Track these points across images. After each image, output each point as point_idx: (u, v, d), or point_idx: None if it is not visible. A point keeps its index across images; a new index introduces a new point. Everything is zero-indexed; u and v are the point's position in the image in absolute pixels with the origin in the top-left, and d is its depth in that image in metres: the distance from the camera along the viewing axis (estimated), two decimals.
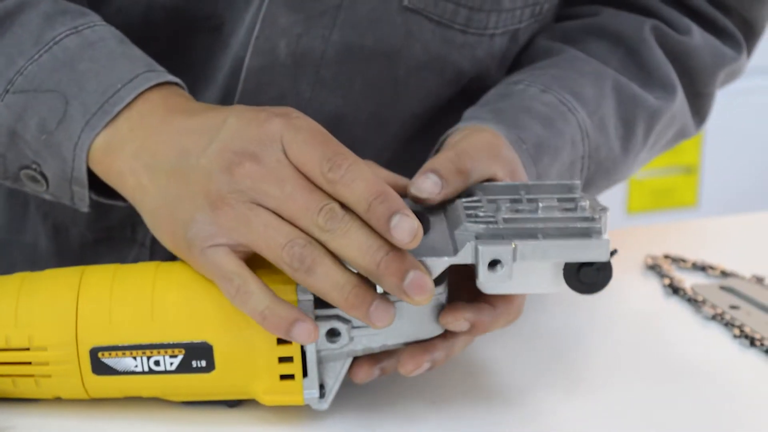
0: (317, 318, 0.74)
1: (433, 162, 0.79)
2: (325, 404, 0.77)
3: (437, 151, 0.87)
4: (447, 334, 0.78)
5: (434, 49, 0.92)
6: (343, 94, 0.92)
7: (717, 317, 0.94)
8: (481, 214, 0.74)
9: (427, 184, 0.78)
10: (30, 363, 0.76)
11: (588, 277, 0.73)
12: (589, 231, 0.72)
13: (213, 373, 0.76)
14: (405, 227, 0.70)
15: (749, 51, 1.04)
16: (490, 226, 0.73)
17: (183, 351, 0.75)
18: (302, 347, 0.75)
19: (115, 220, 0.97)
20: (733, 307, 0.95)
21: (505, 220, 0.73)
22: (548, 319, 0.92)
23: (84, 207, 0.82)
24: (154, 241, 0.92)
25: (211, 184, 0.74)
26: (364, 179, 0.72)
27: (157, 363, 0.75)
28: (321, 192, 0.73)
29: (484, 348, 0.87)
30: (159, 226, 0.77)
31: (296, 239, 0.72)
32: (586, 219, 0.73)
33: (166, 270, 0.77)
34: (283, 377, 0.76)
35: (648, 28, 0.98)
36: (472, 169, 0.79)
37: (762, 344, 0.89)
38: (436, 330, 0.77)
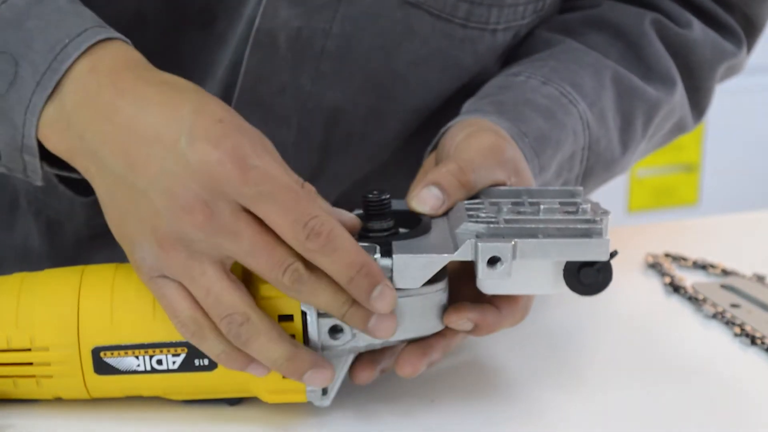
0: (319, 315, 0.75)
1: (435, 174, 0.79)
2: (327, 401, 0.77)
3: (435, 146, 0.87)
4: (446, 333, 0.78)
5: (434, 44, 0.92)
6: (343, 88, 0.92)
7: (718, 316, 0.94)
8: (483, 215, 0.75)
9: (429, 198, 0.78)
10: (31, 364, 0.76)
11: (588, 277, 0.73)
12: (589, 231, 0.73)
13: (215, 371, 0.76)
14: (386, 299, 0.72)
15: (749, 47, 1.04)
16: (491, 225, 0.73)
17: (185, 350, 0.75)
18: (305, 344, 0.75)
19: None
20: (734, 306, 0.95)
21: (507, 221, 0.73)
22: (548, 317, 0.92)
23: (38, 180, 0.78)
24: None
25: (158, 221, 0.71)
26: (345, 251, 0.70)
27: (159, 362, 0.75)
28: (282, 247, 0.71)
29: (483, 346, 0.87)
30: (108, 218, 0.75)
31: (234, 315, 0.72)
32: (587, 221, 0.73)
33: None
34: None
35: (648, 21, 0.98)
36: (476, 180, 0.79)
37: (763, 343, 0.89)
38: (437, 326, 0.77)
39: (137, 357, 0.75)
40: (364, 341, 0.76)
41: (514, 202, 0.77)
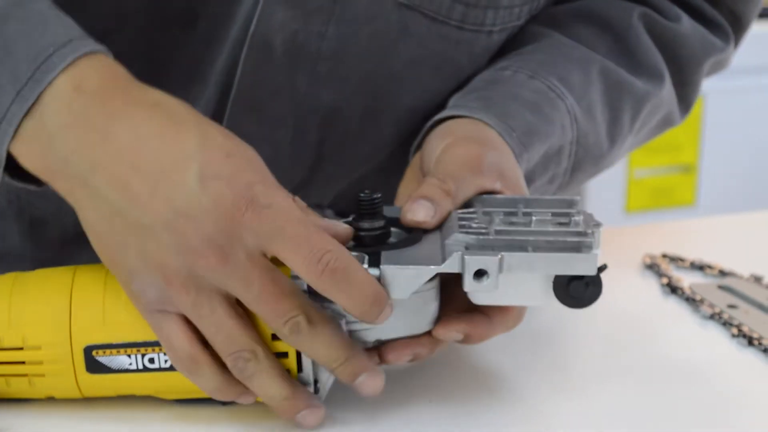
0: None
1: (420, 190, 0.79)
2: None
3: (420, 143, 0.87)
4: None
5: (430, 45, 0.92)
6: (339, 89, 0.91)
7: (715, 316, 0.93)
8: (474, 225, 0.75)
9: (420, 209, 0.77)
10: (24, 363, 0.75)
11: (577, 291, 0.73)
12: (579, 245, 0.73)
13: None
14: (385, 317, 0.72)
15: (736, 43, 1.04)
16: (481, 237, 0.73)
17: None
18: (299, 371, 0.75)
19: None
20: (731, 307, 0.95)
21: (497, 232, 0.73)
22: (546, 318, 0.92)
23: None
24: None
25: (167, 258, 0.70)
26: (360, 283, 0.71)
27: (151, 360, 0.75)
28: (289, 299, 0.71)
29: (482, 347, 0.87)
30: (97, 244, 0.73)
31: (242, 352, 0.72)
32: (578, 233, 0.73)
33: None
34: None
35: (637, 15, 0.98)
36: (458, 189, 0.79)
37: (760, 343, 0.89)
38: (428, 325, 0.77)
39: (129, 356, 0.75)
40: (355, 339, 0.76)
41: (507, 212, 0.77)
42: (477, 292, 0.74)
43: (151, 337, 0.75)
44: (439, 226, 0.78)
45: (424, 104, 0.95)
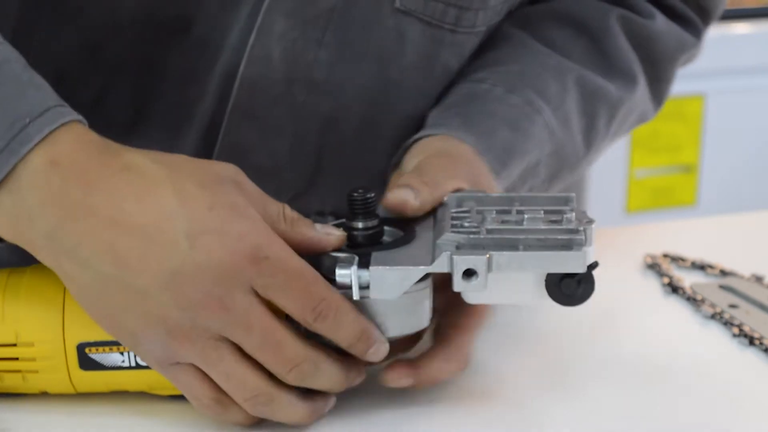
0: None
1: (401, 180, 0.80)
2: None
3: (399, 159, 0.88)
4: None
5: (424, 50, 0.92)
6: (336, 97, 0.91)
7: (716, 316, 0.93)
8: (467, 224, 0.75)
9: (399, 193, 0.79)
10: (17, 359, 0.76)
11: (569, 288, 0.73)
12: (570, 243, 0.73)
13: None
14: (379, 354, 0.75)
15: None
16: (471, 236, 0.73)
17: None
18: None
19: None
20: (732, 306, 0.95)
21: (488, 231, 0.73)
22: (546, 317, 0.92)
23: None
24: None
25: (168, 314, 0.71)
26: (348, 323, 0.73)
27: None
28: (291, 346, 0.72)
29: (482, 347, 0.87)
30: (94, 314, 0.73)
31: (258, 396, 0.73)
32: (569, 231, 0.73)
33: None
34: None
35: (614, 17, 0.98)
36: (435, 180, 0.80)
37: (761, 343, 0.89)
38: (422, 324, 0.77)
39: (122, 353, 0.76)
40: None
41: (500, 210, 0.77)
42: (468, 292, 0.74)
43: None
44: (434, 225, 0.78)
45: (421, 110, 0.95)
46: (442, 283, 0.77)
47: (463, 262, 0.72)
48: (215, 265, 0.70)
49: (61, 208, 0.70)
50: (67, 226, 0.70)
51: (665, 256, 1.05)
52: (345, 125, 0.93)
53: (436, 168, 0.82)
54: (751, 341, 0.89)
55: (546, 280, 0.73)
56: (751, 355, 0.88)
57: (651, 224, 1.23)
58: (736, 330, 0.91)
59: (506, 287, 0.74)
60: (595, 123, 0.97)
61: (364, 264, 0.73)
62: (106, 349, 0.76)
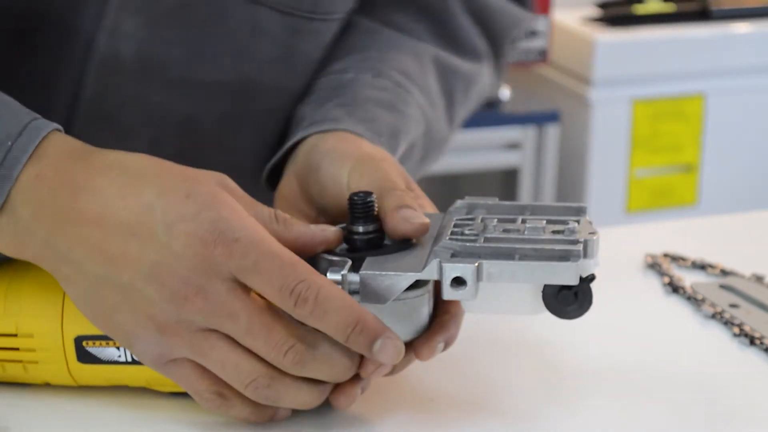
0: None
1: (391, 202, 0.76)
2: None
3: (285, 156, 0.86)
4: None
5: (283, 41, 0.90)
6: (193, 96, 0.89)
7: (716, 316, 0.93)
8: (467, 231, 0.74)
9: (410, 217, 0.75)
10: (18, 349, 0.77)
11: (566, 301, 0.72)
12: (566, 254, 0.71)
13: None
14: (388, 352, 0.71)
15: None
16: (468, 244, 0.72)
17: None
18: None
19: None
20: (733, 306, 0.95)
21: (486, 239, 0.73)
22: (546, 317, 0.92)
23: None
24: None
25: (154, 309, 0.70)
26: (335, 312, 0.70)
27: None
28: (280, 326, 0.70)
29: (482, 347, 0.87)
30: (92, 317, 0.74)
31: (258, 380, 0.71)
32: (568, 242, 0.72)
33: None
34: None
35: None
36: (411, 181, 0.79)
37: (762, 343, 0.89)
38: (419, 331, 0.76)
39: (118, 348, 0.76)
40: None
41: (502, 218, 0.76)
42: (466, 302, 0.74)
43: None
44: (439, 231, 0.77)
45: (283, 105, 0.93)
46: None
47: (452, 270, 0.71)
48: (191, 253, 0.70)
49: (52, 216, 0.72)
50: (59, 232, 0.71)
51: (666, 255, 1.05)
52: (204, 126, 0.91)
53: (377, 187, 0.78)
54: (752, 341, 0.89)
55: (543, 292, 0.72)
56: (752, 354, 0.88)
57: (651, 224, 1.22)
58: (736, 330, 0.91)
59: (504, 298, 0.73)
60: (454, 100, 0.97)
61: (356, 268, 0.73)
62: (103, 343, 0.76)
